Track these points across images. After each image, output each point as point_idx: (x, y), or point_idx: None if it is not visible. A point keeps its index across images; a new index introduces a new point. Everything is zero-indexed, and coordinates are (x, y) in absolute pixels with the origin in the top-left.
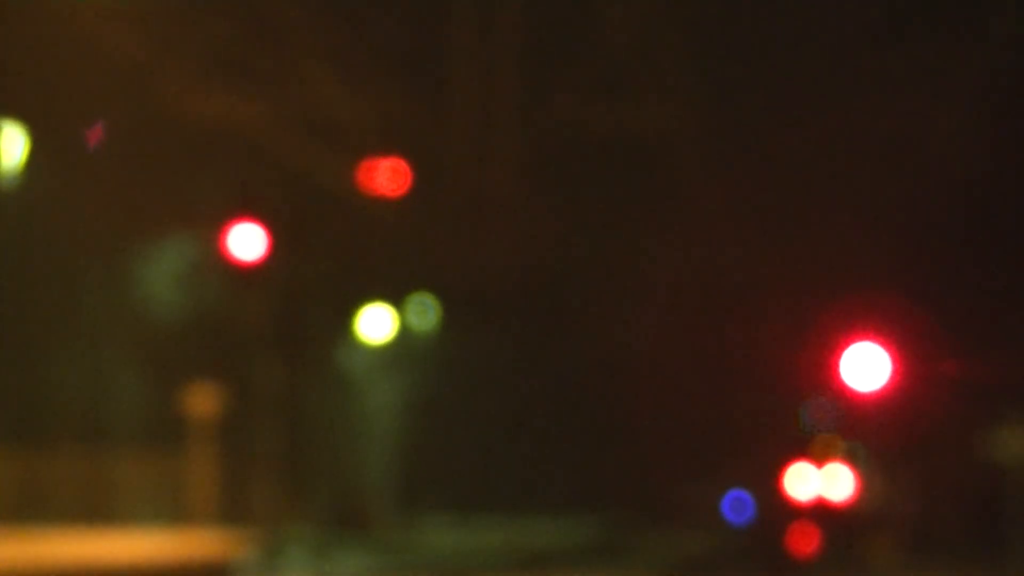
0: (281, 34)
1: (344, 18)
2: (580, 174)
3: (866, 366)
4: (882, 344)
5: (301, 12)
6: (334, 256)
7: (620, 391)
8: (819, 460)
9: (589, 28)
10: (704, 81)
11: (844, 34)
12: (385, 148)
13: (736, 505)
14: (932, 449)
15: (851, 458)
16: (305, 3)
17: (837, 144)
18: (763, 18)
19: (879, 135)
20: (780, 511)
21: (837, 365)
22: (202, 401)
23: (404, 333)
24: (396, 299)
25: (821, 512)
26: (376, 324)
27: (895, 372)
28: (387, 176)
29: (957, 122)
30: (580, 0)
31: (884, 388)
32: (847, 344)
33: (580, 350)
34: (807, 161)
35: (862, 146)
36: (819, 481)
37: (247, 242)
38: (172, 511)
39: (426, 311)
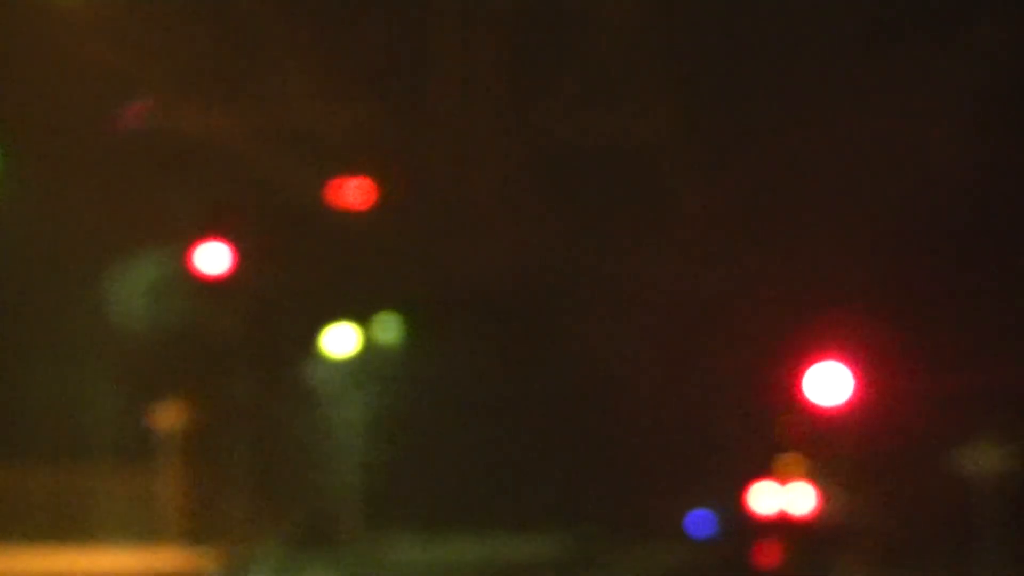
0: (252, 47)
1: (320, 28)
2: (557, 186)
3: (831, 382)
4: (847, 360)
5: (274, 24)
6: (303, 271)
7: (591, 405)
8: (784, 476)
9: (572, 38)
10: (687, 92)
11: (824, 50)
12: (358, 162)
13: (700, 521)
14: (899, 464)
15: (816, 474)
16: (279, 15)
17: (810, 161)
18: (748, 29)
19: (851, 153)
20: (745, 527)
21: (802, 381)
22: (171, 416)
23: (373, 348)
24: (365, 314)
25: (786, 527)
26: (343, 340)
27: (861, 388)
28: (354, 192)
29: (931, 140)
30: (564, 10)
31: (849, 404)
32: (812, 360)
33: (551, 364)
34: (777, 177)
35: (834, 163)
36: (784, 496)
37: (215, 257)
38: (141, 526)
39: (395, 326)
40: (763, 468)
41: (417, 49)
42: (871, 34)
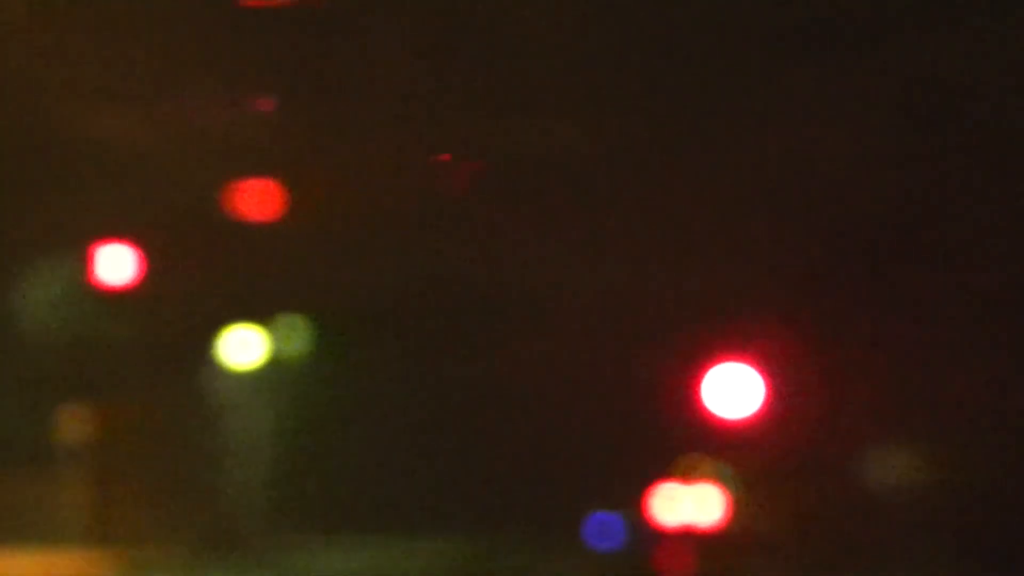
0: (159, 51)
1: (229, 35)
2: (466, 192)
3: (739, 388)
4: (756, 365)
5: (183, 29)
6: (208, 277)
7: (497, 411)
8: (688, 482)
9: (488, 44)
10: (604, 100)
11: (744, 59)
12: (263, 167)
13: (603, 529)
14: (806, 472)
15: (722, 480)
16: (187, 20)
17: (724, 167)
18: (665, 39)
19: (765, 160)
20: (648, 535)
21: (709, 387)
22: (74, 422)
23: (279, 355)
24: (270, 321)
25: (691, 536)
26: (248, 346)
27: (769, 394)
28: (262, 198)
29: (845, 150)
30: (482, 15)
31: (755, 409)
32: (718, 365)
33: (454, 370)
34: (692, 181)
35: (748, 170)
36: (690, 504)
37: (119, 263)
38: (43, 530)
39: (300, 332)
40: (668, 475)
41: (329, 54)
42: (787, 44)
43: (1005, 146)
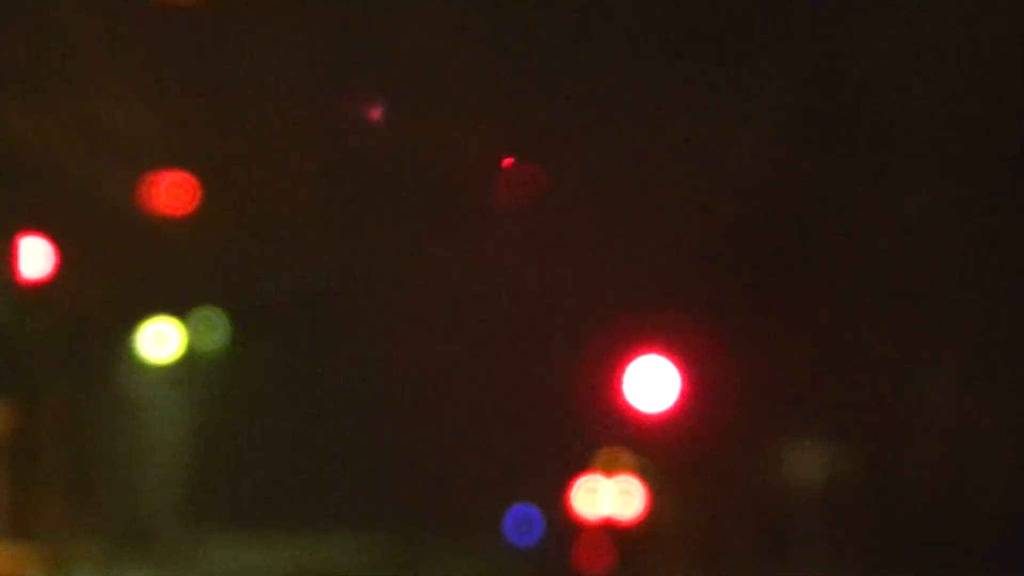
0: (70, 45)
1: (136, 29)
2: (378, 189)
3: (653, 381)
4: (669, 358)
5: (92, 23)
6: (121, 273)
7: (411, 405)
8: (607, 475)
9: (384, 41)
10: (501, 94)
11: (644, 49)
12: (174, 161)
13: (521, 524)
14: (722, 465)
15: (641, 474)
16: (96, 14)
17: (633, 160)
18: (562, 32)
19: (674, 153)
20: (567, 529)
21: (623, 379)
22: None
23: (193, 349)
24: (184, 316)
25: (610, 529)
26: (163, 341)
27: (683, 387)
28: (173, 191)
29: (752, 144)
30: (374, 14)
31: (671, 403)
32: (633, 358)
33: (371, 365)
34: (600, 173)
35: (658, 164)
36: (608, 497)
37: (33, 258)
38: None
39: (214, 327)
40: (586, 469)
41: (238, 55)
42: (684, 45)
43: (899, 143)
